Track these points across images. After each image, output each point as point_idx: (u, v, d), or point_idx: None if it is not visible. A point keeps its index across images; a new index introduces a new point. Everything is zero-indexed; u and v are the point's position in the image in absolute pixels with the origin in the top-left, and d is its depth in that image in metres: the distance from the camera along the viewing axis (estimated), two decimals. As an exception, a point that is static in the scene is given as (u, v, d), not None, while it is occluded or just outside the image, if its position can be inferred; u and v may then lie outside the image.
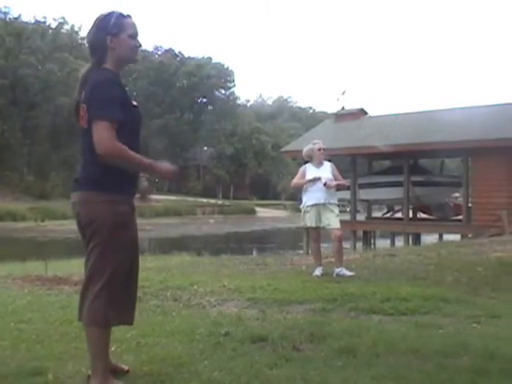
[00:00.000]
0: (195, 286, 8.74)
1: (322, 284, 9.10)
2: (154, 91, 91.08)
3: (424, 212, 32.84)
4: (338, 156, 27.31)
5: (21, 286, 9.14)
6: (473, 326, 6.27)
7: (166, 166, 4.26)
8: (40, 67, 77.08)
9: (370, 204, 34.03)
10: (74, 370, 4.53)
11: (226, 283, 8.95)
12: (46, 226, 47.65)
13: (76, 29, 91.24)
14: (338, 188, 10.87)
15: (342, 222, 10.90)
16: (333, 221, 10.50)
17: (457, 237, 26.87)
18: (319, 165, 10.73)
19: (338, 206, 10.98)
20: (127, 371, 4.47)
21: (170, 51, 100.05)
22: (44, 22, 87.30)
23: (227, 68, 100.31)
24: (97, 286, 4.09)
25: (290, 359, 4.91)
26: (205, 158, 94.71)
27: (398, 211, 33.27)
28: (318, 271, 10.51)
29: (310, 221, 10.64)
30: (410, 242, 28.43)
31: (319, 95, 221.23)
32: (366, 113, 35.69)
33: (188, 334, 5.69)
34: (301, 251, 27.16)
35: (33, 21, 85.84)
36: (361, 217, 33.60)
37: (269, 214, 78.33)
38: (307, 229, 11.79)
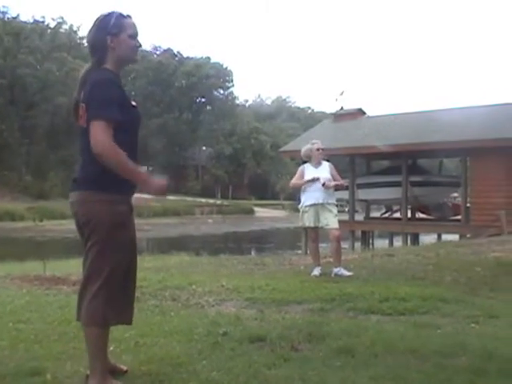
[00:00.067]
0: (194, 286, 8.74)
1: (320, 284, 9.10)
2: (153, 91, 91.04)
3: (422, 212, 32.84)
4: (337, 156, 27.34)
5: (19, 286, 9.13)
6: (471, 326, 6.28)
7: (158, 182, 4.18)
8: (38, 67, 77.07)
9: (368, 204, 34.03)
10: (73, 370, 4.53)
11: (225, 283, 8.95)
12: (44, 226, 47.55)
13: (74, 28, 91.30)
14: (337, 188, 10.88)
15: (340, 221, 10.90)
16: (331, 221, 10.50)
17: (455, 237, 26.85)
18: (318, 165, 10.74)
19: (337, 205, 10.99)
20: (126, 371, 4.48)
21: (168, 51, 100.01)
22: (43, 22, 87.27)
23: (226, 68, 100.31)
24: (95, 286, 4.09)
25: (288, 359, 4.92)
26: (203, 158, 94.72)
27: (396, 211, 33.31)
28: (316, 271, 10.52)
29: (308, 221, 10.65)
30: (409, 242, 28.42)
31: (318, 95, 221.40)
32: (364, 113, 35.72)
33: (186, 334, 5.69)
34: (299, 251, 27.15)
35: (31, 20, 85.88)
36: (359, 217, 33.59)
37: (267, 214, 78.34)
38: (306, 229, 11.78)
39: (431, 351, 5.13)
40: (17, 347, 5.26)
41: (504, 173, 24.87)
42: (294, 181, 10.94)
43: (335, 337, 5.57)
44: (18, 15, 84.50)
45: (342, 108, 36.62)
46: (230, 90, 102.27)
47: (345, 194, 29.30)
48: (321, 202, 10.48)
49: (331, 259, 10.86)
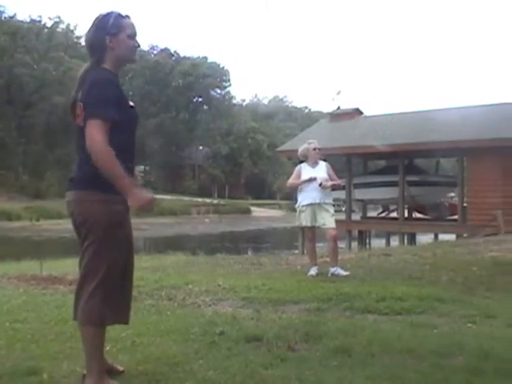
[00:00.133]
0: (190, 286, 8.74)
1: (317, 284, 9.11)
2: (150, 90, 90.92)
3: (419, 212, 32.91)
4: (334, 156, 27.38)
5: (16, 286, 9.13)
6: (468, 326, 6.28)
7: (143, 196, 4.06)
8: (35, 66, 76.87)
9: (365, 204, 34.10)
10: (69, 370, 4.53)
11: (221, 283, 8.96)
12: (41, 226, 47.39)
13: (71, 28, 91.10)
14: (334, 188, 10.89)
15: (337, 221, 10.92)
16: (328, 220, 10.51)
17: (452, 236, 26.90)
18: (314, 164, 10.76)
19: (334, 205, 11.01)
20: (122, 371, 4.47)
21: (165, 50, 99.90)
22: (39, 21, 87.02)
23: (223, 67, 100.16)
24: (91, 285, 4.09)
25: (284, 359, 4.92)
26: (200, 158, 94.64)
27: (393, 211, 33.33)
28: (313, 271, 10.53)
29: (305, 220, 10.66)
30: (406, 241, 28.51)
31: (315, 95, 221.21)
32: (361, 112, 35.74)
33: (183, 334, 5.69)
34: (296, 251, 27.19)
35: (28, 20, 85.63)
36: (356, 216, 33.68)
37: (264, 214, 78.28)
38: (302, 228, 11.80)
39: (428, 351, 5.13)
40: (13, 347, 5.25)
41: (501, 172, 24.92)
42: (291, 180, 10.95)
43: (332, 336, 5.57)
44: (15, 14, 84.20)
45: (338, 108, 36.64)
46: (227, 89, 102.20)
47: (342, 194, 29.32)
48: (318, 201, 10.49)
49: (328, 259, 10.86)
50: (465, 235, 24.97)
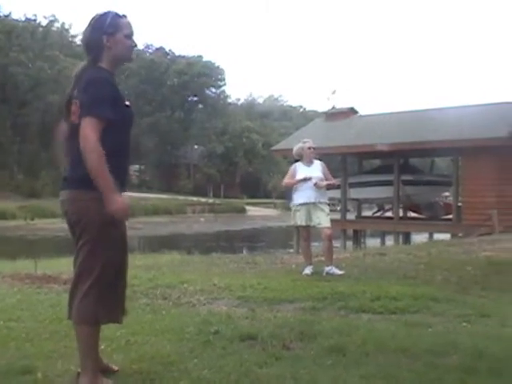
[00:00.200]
0: (185, 285, 8.74)
1: (311, 283, 9.13)
2: (145, 89, 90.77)
3: (414, 211, 32.91)
4: (329, 155, 27.38)
5: (10, 285, 9.12)
6: (462, 325, 6.29)
7: (118, 203, 4.00)
8: (30, 65, 76.75)
9: (360, 203, 34.08)
10: (64, 369, 4.53)
11: (216, 282, 8.96)
12: (35, 225, 47.43)
13: (66, 27, 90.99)
14: (328, 187, 10.91)
15: (332, 220, 10.94)
16: (323, 219, 10.52)
17: (447, 236, 26.90)
18: (309, 163, 10.77)
19: (329, 204, 11.02)
20: (117, 371, 4.47)
21: (160, 49, 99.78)
22: (34, 20, 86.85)
23: (218, 66, 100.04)
24: (86, 284, 4.09)
25: (279, 358, 4.92)
26: (195, 157, 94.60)
27: (388, 210, 33.34)
28: (308, 270, 10.53)
29: (300, 219, 10.66)
30: (400, 241, 28.52)
31: (310, 94, 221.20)
32: (356, 112, 35.71)
33: (178, 333, 5.69)
34: (291, 250, 27.16)
35: (23, 18, 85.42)
36: (351, 216, 33.64)
37: (259, 213, 78.20)
38: (297, 227, 11.80)
39: (422, 350, 5.14)
40: (8, 346, 5.25)
41: (496, 172, 24.93)
42: (286, 180, 10.95)
43: (326, 335, 5.58)
44: (10, 13, 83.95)
45: (333, 107, 36.70)
46: (222, 88, 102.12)
47: (337, 193, 29.35)
48: (313, 200, 10.51)
49: (323, 258, 10.87)
50: (459, 235, 24.96)
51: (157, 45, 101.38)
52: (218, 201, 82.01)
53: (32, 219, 48.27)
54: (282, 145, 35.11)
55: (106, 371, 4.35)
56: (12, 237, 42.08)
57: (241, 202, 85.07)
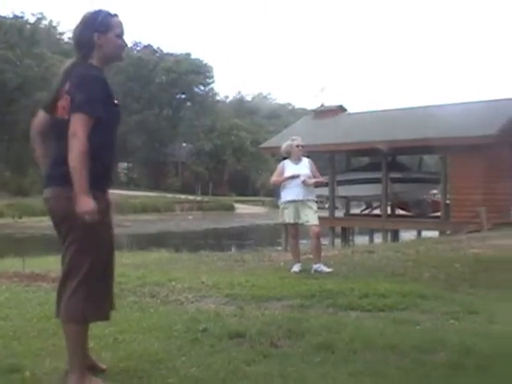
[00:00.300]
0: (173, 283, 8.74)
1: (300, 280, 9.14)
2: (133, 87, 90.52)
3: (402, 209, 32.97)
4: (317, 152, 27.38)
5: (-2, 283, 9.09)
6: (450, 322, 6.31)
7: (87, 205, 3.93)
8: (18, 62, 76.48)
9: (348, 200, 34.13)
10: (52, 367, 4.52)
11: (205, 279, 8.96)
12: (24, 223, 47.22)
13: (54, 24, 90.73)
14: (317, 185, 10.93)
15: (320, 218, 10.96)
16: (311, 217, 10.54)
17: (435, 233, 26.97)
18: (297, 161, 10.78)
19: (317, 202, 11.03)
20: (104, 370, 4.46)
21: (148, 47, 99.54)
22: (22, 17, 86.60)
23: (206, 64, 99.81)
24: (74, 282, 4.08)
25: (267, 355, 4.92)
26: (183, 154, 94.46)
27: (376, 208, 33.40)
28: (296, 267, 10.54)
29: (288, 217, 10.67)
30: (389, 238, 28.54)
31: (298, 92, 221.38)
32: (344, 110, 35.72)
33: (165, 331, 5.69)
34: (279, 248, 27.14)
35: (11, 16, 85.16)
36: (339, 213, 33.67)
37: (247, 211, 78.18)
38: (285, 225, 11.80)
39: (410, 347, 5.16)
40: (-5, 344, 5.23)
41: (483, 170, 25.00)
42: (275, 177, 10.96)
43: (315, 333, 5.59)
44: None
45: (322, 105, 36.66)
46: (211, 86, 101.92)
47: (325, 191, 29.32)
48: (301, 198, 10.52)
49: (311, 255, 10.88)
50: (448, 232, 25.04)
51: (145, 42, 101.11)
52: (206, 198, 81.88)
53: (20, 217, 48.10)
54: (270, 142, 35.06)
55: (94, 369, 4.35)
56: (-1, 235, 41.95)
57: (229, 200, 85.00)
